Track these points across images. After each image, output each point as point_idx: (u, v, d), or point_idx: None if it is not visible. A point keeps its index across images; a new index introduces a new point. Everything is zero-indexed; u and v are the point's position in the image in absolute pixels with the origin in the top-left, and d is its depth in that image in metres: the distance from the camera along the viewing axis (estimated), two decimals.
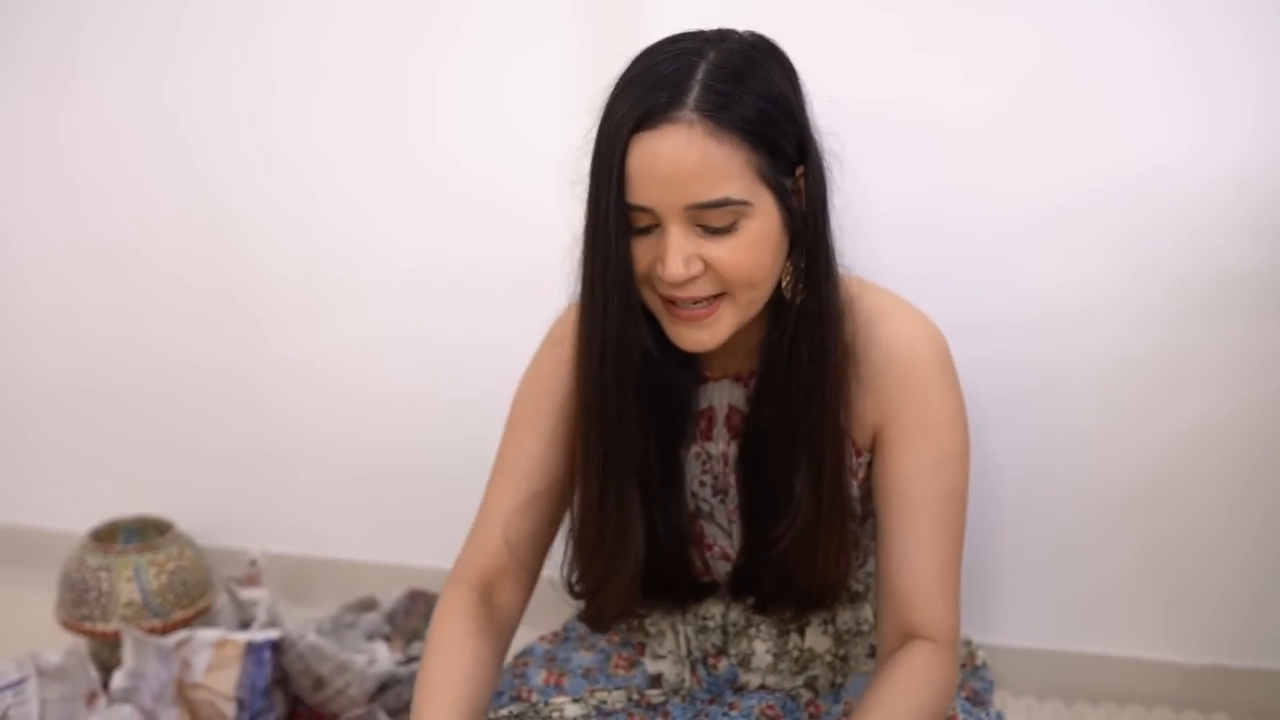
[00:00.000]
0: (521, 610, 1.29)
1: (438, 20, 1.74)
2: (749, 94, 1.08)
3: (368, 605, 1.82)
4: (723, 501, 1.28)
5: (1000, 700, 1.71)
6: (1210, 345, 1.59)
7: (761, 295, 1.14)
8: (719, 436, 1.27)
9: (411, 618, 1.81)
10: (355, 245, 1.86)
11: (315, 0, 1.79)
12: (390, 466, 1.94)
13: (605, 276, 1.12)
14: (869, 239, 1.63)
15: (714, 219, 1.08)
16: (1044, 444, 1.67)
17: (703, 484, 1.29)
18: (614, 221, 1.10)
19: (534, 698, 1.32)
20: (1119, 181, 1.57)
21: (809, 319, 1.16)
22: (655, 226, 1.10)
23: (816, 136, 1.14)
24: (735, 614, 1.35)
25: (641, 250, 1.12)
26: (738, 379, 1.26)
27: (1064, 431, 1.66)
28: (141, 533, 1.85)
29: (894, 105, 1.60)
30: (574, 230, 1.16)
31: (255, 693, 1.55)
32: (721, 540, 1.30)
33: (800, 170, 1.13)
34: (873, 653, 1.34)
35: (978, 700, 1.37)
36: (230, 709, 1.54)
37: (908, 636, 1.18)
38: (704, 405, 1.27)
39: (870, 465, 1.23)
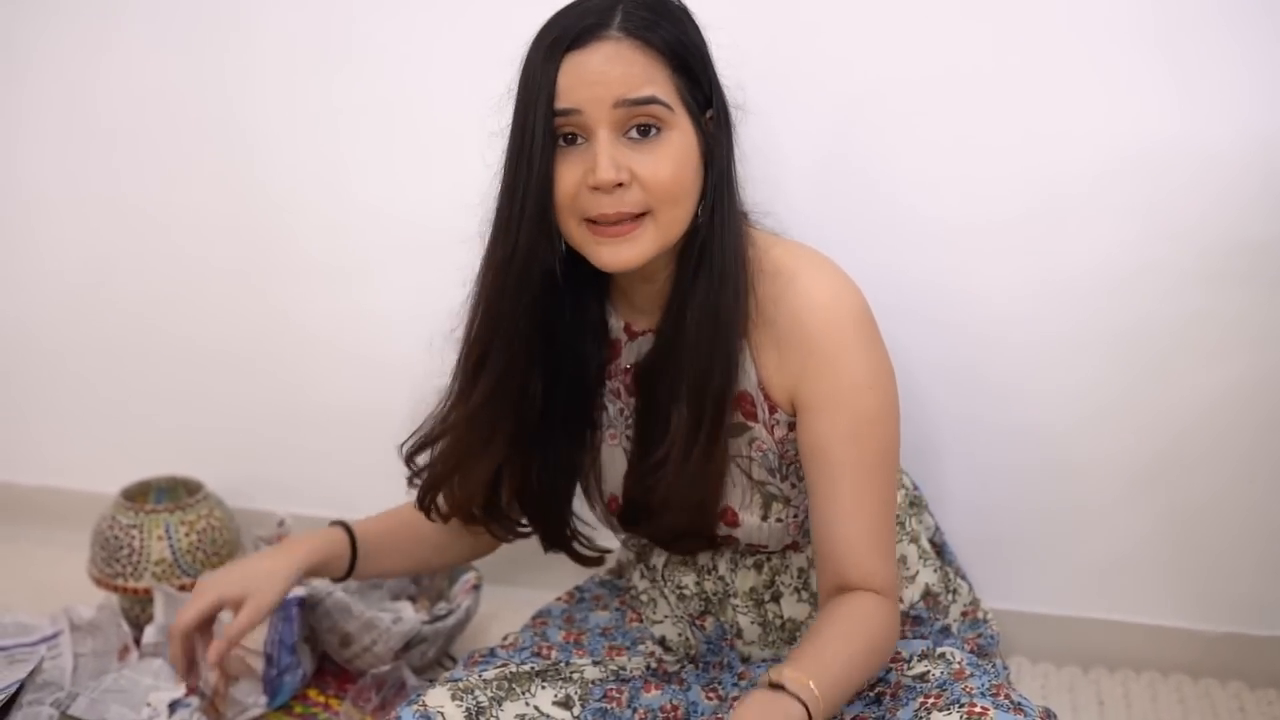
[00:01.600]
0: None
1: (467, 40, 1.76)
2: (668, 24, 1.17)
3: None
4: None
5: (1017, 666, 1.73)
6: (1231, 313, 1.60)
7: (681, 216, 1.18)
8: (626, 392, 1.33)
9: (437, 579, 1.83)
10: (385, 212, 1.88)
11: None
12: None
13: (526, 189, 1.17)
14: (897, 198, 1.65)
15: (641, 117, 1.15)
16: (1065, 411, 1.68)
17: (628, 437, 1.33)
18: (541, 136, 1.15)
19: (554, 655, 1.35)
20: (1139, 149, 1.57)
21: (707, 252, 1.19)
22: (581, 140, 1.16)
23: (723, 92, 1.21)
24: (710, 584, 1.38)
25: (567, 170, 1.17)
26: (653, 333, 1.29)
27: (1085, 399, 1.67)
28: (172, 492, 1.88)
29: (920, 74, 1.61)
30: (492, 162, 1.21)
31: (283, 648, 1.57)
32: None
33: (709, 114, 1.20)
34: None
35: (983, 653, 1.39)
36: (259, 664, 1.57)
37: (845, 590, 1.21)
38: (628, 362, 1.32)
39: (794, 425, 1.25)
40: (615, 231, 1.17)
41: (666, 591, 1.40)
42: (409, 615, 1.69)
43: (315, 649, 1.66)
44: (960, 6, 1.58)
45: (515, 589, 1.90)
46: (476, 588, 1.75)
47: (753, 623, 1.36)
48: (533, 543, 1.91)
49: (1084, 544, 1.73)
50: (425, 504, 1.38)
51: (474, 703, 1.19)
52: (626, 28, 1.15)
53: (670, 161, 1.15)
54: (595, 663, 1.33)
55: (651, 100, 1.14)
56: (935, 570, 1.41)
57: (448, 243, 1.84)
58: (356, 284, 1.93)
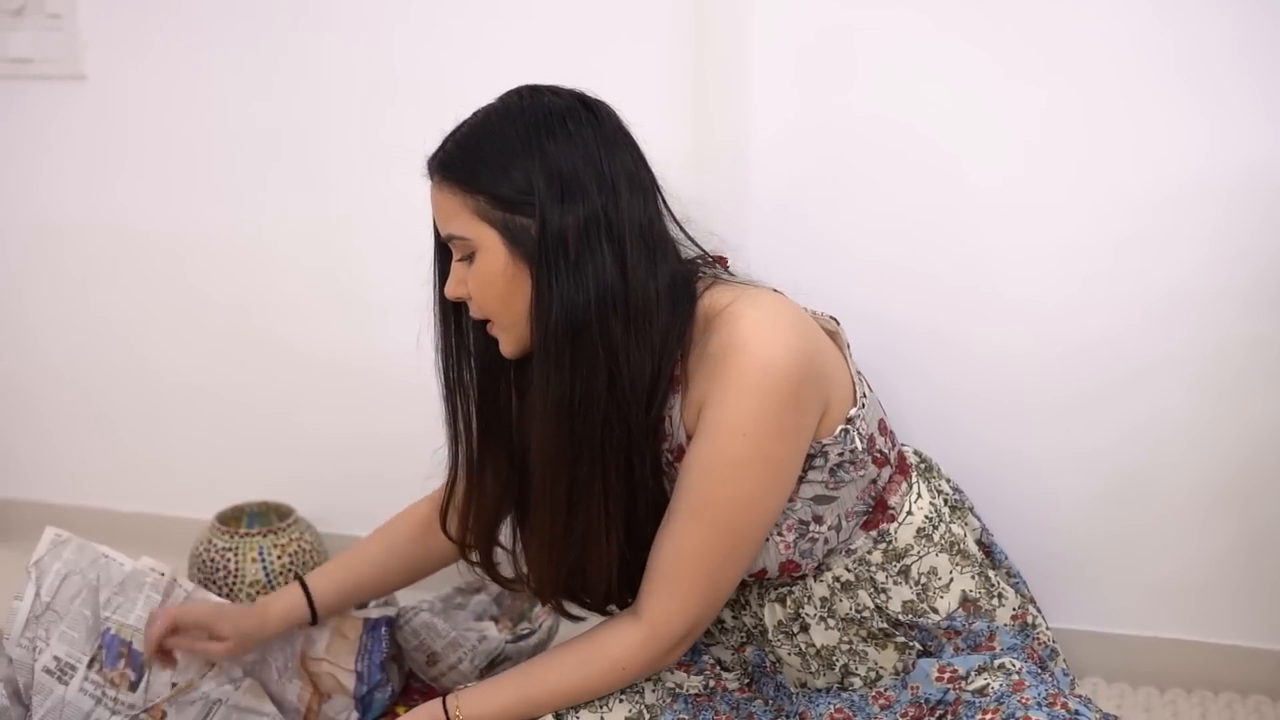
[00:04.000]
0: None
1: (525, 35, 1.82)
2: (465, 154, 1.27)
3: (477, 587, 1.89)
4: None
5: (1093, 687, 1.73)
6: None
7: (513, 320, 1.28)
8: None
9: (518, 599, 1.87)
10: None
11: (427, 22, 1.86)
12: None
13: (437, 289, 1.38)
14: (959, 227, 1.67)
15: (459, 249, 1.28)
16: (1138, 431, 1.69)
17: None
18: (435, 247, 1.36)
19: None
20: (1212, 172, 1.58)
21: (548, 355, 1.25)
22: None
23: (570, 180, 1.23)
24: (747, 617, 1.41)
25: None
26: None
27: (1158, 419, 1.68)
28: (264, 517, 1.95)
29: (993, 102, 1.64)
30: None
31: (373, 667, 1.63)
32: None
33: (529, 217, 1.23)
34: (895, 623, 1.36)
35: (1043, 665, 1.38)
36: (350, 681, 1.62)
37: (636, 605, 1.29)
38: None
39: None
40: (489, 329, 1.32)
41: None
42: (493, 634, 1.73)
43: (403, 667, 1.71)
44: (1031, 35, 1.61)
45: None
46: None
47: (790, 654, 1.38)
48: None
49: (1160, 563, 1.73)
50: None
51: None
52: (434, 167, 1.30)
53: (477, 281, 1.27)
54: (656, 678, 1.36)
55: (451, 237, 1.28)
56: (974, 576, 1.38)
57: None
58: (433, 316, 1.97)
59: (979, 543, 1.44)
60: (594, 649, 1.30)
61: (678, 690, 1.37)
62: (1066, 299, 1.67)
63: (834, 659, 1.37)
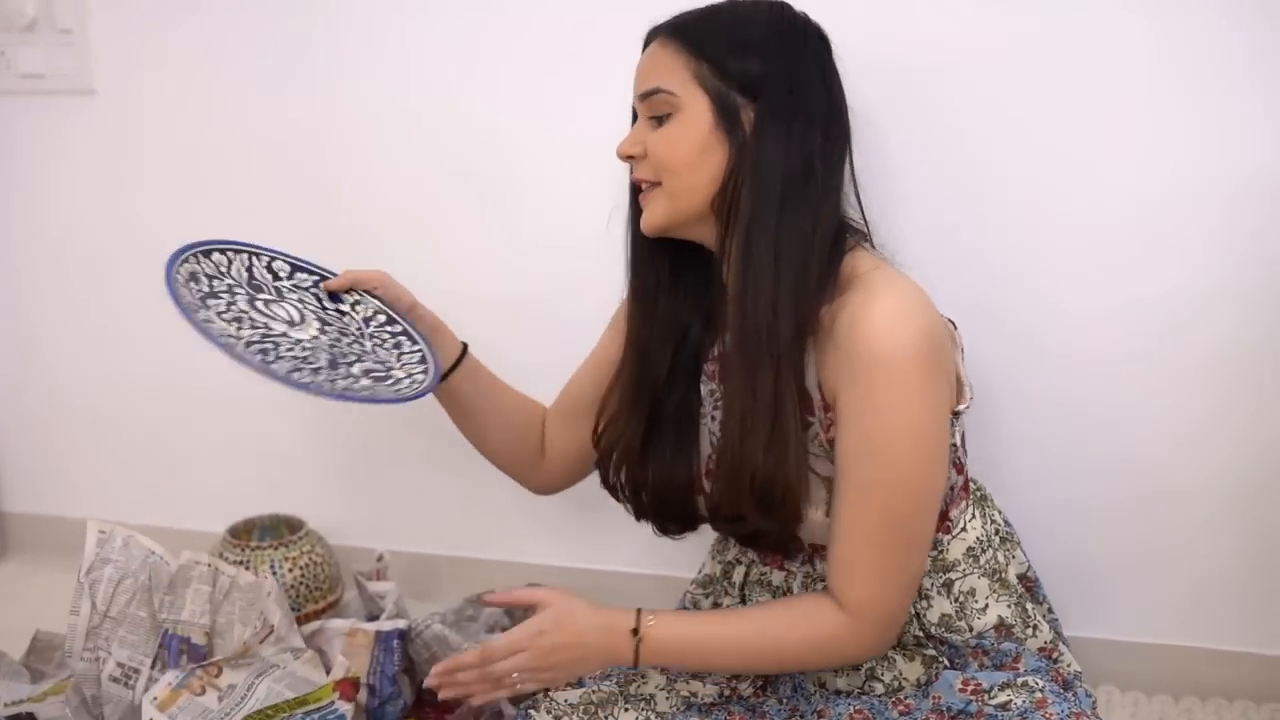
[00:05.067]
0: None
1: (532, 41, 1.83)
2: (708, 24, 1.31)
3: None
4: None
5: (1106, 695, 1.73)
6: None
7: (687, 186, 1.30)
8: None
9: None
10: (473, 259, 1.94)
11: (438, 38, 1.87)
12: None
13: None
14: (976, 233, 1.67)
15: (655, 107, 1.31)
16: (1152, 438, 1.69)
17: (714, 419, 1.40)
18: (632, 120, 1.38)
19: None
20: (1220, 177, 1.58)
21: (745, 230, 1.26)
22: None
23: (796, 100, 1.27)
24: None
25: None
26: None
27: (1172, 426, 1.67)
28: (275, 530, 1.95)
29: (1000, 104, 1.64)
30: None
31: (384, 679, 1.63)
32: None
33: (752, 101, 1.27)
34: (919, 642, 1.36)
35: (1067, 686, 1.38)
36: (362, 694, 1.62)
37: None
38: (720, 349, 1.39)
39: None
40: (643, 198, 1.35)
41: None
42: None
43: (414, 680, 1.70)
44: (1042, 42, 1.61)
45: None
46: None
47: None
48: (621, 578, 1.97)
49: (1174, 571, 1.72)
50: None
51: None
52: (662, 29, 1.33)
53: (668, 136, 1.30)
54: (669, 683, 1.36)
55: (655, 91, 1.30)
56: (1010, 605, 1.39)
57: (532, 295, 1.92)
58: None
59: (1022, 576, 1.46)
60: (798, 618, 1.28)
61: (692, 699, 1.37)
62: (1083, 307, 1.67)
63: (864, 661, 1.37)
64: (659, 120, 1.31)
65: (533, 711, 1.29)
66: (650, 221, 1.34)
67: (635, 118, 1.37)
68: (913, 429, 1.22)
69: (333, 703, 1.52)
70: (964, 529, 1.38)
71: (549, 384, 1.64)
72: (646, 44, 1.35)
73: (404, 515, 2.10)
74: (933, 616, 1.36)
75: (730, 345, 1.28)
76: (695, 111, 1.28)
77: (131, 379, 2.19)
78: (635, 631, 1.27)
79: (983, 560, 1.39)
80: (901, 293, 1.23)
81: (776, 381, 1.24)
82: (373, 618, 1.79)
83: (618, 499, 1.49)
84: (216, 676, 1.52)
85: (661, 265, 1.40)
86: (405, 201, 1.96)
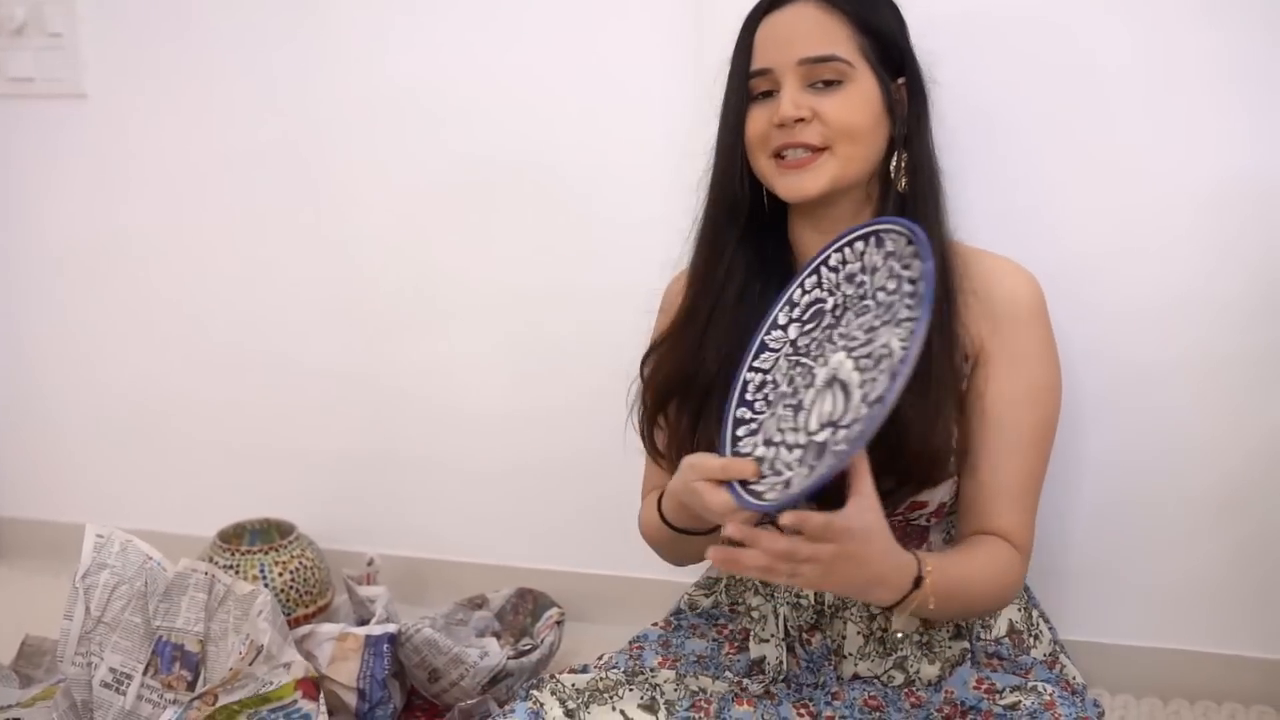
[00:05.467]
0: None
1: (543, 55, 1.83)
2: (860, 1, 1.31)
3: (478, 603, 1.89)
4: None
5: (1095, 698, 1.72)
6: None
7: (860, 155, 1.30)
8: None
9: (520, 615, 1.87)
10: (467, 262, 1.94)
11: (425, 41, 1.88)
12: (499, 474, 2.02)
13: (724, 133, 1.36)
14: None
15: (824, 72, 1.28)
16: (1137, 441, 1.69)
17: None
18: (738, 91, 1.33)
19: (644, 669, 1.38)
20: (1211, 181, 1.59)
21: (917, 206, 1.31)
22: (774, 93, 1.31)
23: (918, 66, 1.34)
24: (829, 595, 1.40)
25: (758, 115, 1.32)
26: None
27: (1156, 429, 1.68)
28: (265, 534, 1.95)
29: (996, 106, 1.64)
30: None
31: (375, 683, 1.63)
32: None
33: (901, 81, 1.33)
34: (957, 634, 1.37)
35: (1075, 693, 1.39)
36: (352, 699, 1.62)
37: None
38: None
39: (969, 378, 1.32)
40: (796, 163, 1.30)
41: (779, 605, 1.41)
42: (495, 650, 1.73)
43: (404, 684, 1.71)
44: (1036, 49, 1.61)
45: (595, 625, 1.94)
46: (559, 623, 1.79)
47: (859, 633, 1.38)
48: (614, 582, 1.97)
49: (1162, 574, 1.73)
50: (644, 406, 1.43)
51: (563, 710, 1.24)
52: None
53: (849, 103, 1.28)
54: (679, 677, 1.35)
55: (832, 58, 1.28)
56: (1020, 609, 1.42)
57: (527, 298, 1.92)
58: (440, 337, 1.99)
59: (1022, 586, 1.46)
60: (997, 556, 1.29)
61: (700, 691, 1.36)
62: (1070, 308, 1.66)
63: (899, 648, 1.37)
64: (825, 85, 1.29)
65: (536, 692, 1.27)
66: (814, 185, 1.30)
67: (747, 91, 1.32)
68: (1056, 371, 1.34)
69: (295, 701, 1.52)
70: None
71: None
72: (774, 6, 1.32)
73: (395, 519, 2.10)
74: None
75: None
76: (867, 84, 1.29)
77: (122, 383, 2.19)
78: (918, 581, 1.19)
79: None
80: (1008, 258, 1.36)
81: (950, 347, 1.28)
82: (363, 622, 1.79)
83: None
84: (213, 704, 1.52)
85: (738, 233, 1.38)
86: (402, 204, 1.96)
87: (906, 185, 1.32)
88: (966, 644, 1.37)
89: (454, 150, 1.91)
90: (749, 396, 1.22)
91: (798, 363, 1.20)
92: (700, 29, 1.73)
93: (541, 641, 1.75)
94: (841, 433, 1.07)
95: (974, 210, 1.60)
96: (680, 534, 1.35)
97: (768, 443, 1.16)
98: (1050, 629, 1.46)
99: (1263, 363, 1.63)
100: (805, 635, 1.40)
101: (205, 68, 2.00)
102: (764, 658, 1.40)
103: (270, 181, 2.01)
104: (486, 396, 2.00)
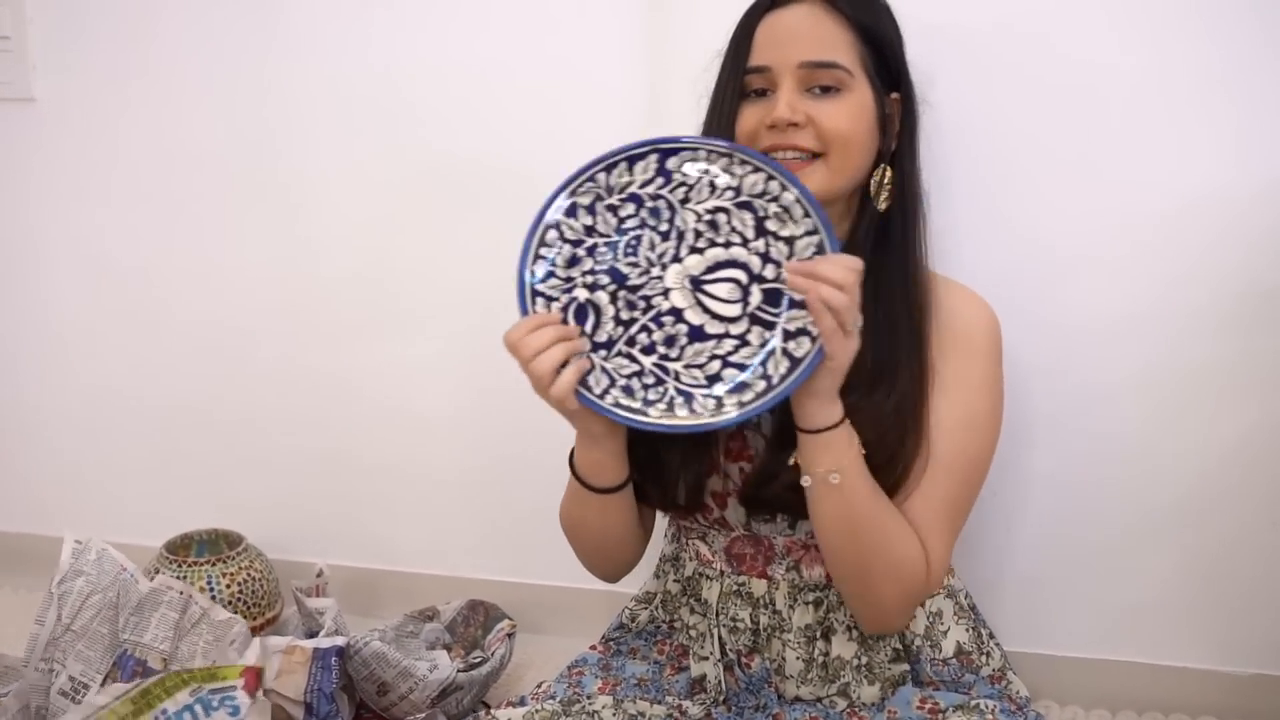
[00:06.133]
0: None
1: (506, 54, 1.82)
2: (868, 8, 1.30)
3: (429, 615, 1.88)
4: None
5: (1044, 709, 1.74)
6: (1250, 358, 1.62)
7: (850, 166, 1.29)
8: None
9: (471, 627, 1.86)
10: (423, 266, 1.93)
11: (386, 35, 1.86)
12: (452, 481, 2.01)
13: (712, 130, 1.32)
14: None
15: (823, 78, 1.26)
16: (1088, 454, 1.70)
17: None
18: (731, 86, 1.31)
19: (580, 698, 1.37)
20: (1164, 196, 1.59)
21: (894, 226, 1.31)
22: (769, 92, 1.29)
23: (912, 84, 1.34)
24: (765, 617, 1.39)
25: (751, 113, 1.30)
26: None
27: (1107, 442, 1.69)
28: (213, 545, 1.93)
29: (950, 125, 1.64)
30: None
31: (322, 697, 1.61)
32: (759, 447, 1.35)
33: (895, 96, 1.32)
34: (896, 657, 1.37)
35: (1019, 709, 1.40)
36: (299, 713, 1.60)
37: None
38: None
39: None
40: (795, 165, 1.27)
41: (714, 627, 1.41)
42: (444, 663, 1.72)
43: (353, 697, 1.69)
44: (1011, 61, 1.61)
45: (548, 637, 1.93)
46: (510, 636, 1.78)
47: (798, 658, 1.38)
48: (566, 593, 1.96)
49: (1110, 586, 1.74)
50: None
51: None
52: None
53: (845, 111, 1.27)
54: (617, 703, 1.35)
55: (834, 65, 1.26)
56: (968, 630, 1.42)
57: (483, 299, 1.91)
58: (392, 339, 1.97)
59: (968, 603, 1.47)
60: (905, 532, 1.29)
61: (639, 716, 1.36)
62: (1019, 324, 1.67)
63: (840, 674, 1.37)
64: (823, 91, 1.27)
65: None
66: (817, 186, 1.27)
67: (741, 88, 1.30)
68: (999, 406, 1.35)
69: (234, 686, 1.50)
70: None
71: None
72: (780, 3, 1.30)
73: (346, 528, 2.08)
74: (917, 627, 1.38)
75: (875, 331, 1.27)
76: (864, 95, 1.28)
77: (69, 389, 2.16)
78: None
79: (946, 580, 1.42)
80: (967, 287, 1.37)
81: (918, 366, 1.30)
82: (312, 634, 1.77)
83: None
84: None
85: None
86: (357, 203, 1.94)
87: (887, 203, 1.31)
88: (907, 666, 1.38)
89: (414, 148, 1.89)
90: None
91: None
92: (664, 20, 1.73)
93: (492, 654, 1.74)
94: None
95: (958, 229, 1.63)
96: (599, 494, 1.35)
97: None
98: (999, 648, 1.46)
99: (1218, 376, 1.64)
100: (744, 659, 1.40)
101: (159, 72, 1.98)
102: (704, 676, 1.40)
103: (223, 182, 1.99)
104: (440, 405, 1.99)
